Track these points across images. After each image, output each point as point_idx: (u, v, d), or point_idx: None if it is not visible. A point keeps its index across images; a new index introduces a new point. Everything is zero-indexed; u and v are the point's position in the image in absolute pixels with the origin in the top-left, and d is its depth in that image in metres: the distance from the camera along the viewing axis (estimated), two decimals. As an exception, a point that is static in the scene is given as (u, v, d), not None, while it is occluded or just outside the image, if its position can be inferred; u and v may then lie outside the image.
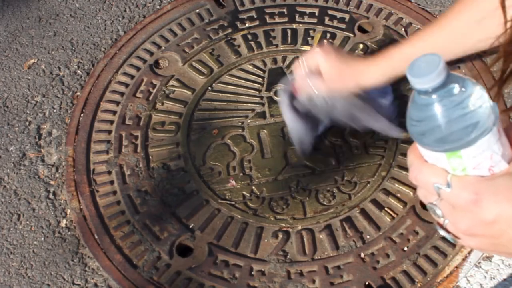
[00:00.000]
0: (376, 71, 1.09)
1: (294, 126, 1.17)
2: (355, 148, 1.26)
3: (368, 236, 1.16)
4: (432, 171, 0.53)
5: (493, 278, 1.12)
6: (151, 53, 1.44)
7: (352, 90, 1.10)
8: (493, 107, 0.50)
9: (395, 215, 1.18)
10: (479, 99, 0.49)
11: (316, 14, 1.50)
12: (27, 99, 1.41)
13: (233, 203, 1.21)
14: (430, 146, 0.52)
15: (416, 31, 1.14)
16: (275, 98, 1.35)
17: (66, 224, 1.22)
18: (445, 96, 0.49)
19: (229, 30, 1.47)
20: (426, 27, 1.08)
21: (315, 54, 1.09)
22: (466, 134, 0.49)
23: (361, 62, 1.12)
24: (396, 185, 1.21)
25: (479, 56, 1.35)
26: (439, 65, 0.48)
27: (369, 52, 1.42)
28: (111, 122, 1.33)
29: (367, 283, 1.11)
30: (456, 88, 0.49)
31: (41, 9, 1.58)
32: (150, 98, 1.36)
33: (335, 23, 1.48)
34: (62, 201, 1.25)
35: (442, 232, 0.55)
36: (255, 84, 1.38)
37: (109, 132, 1.31)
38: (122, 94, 1.37)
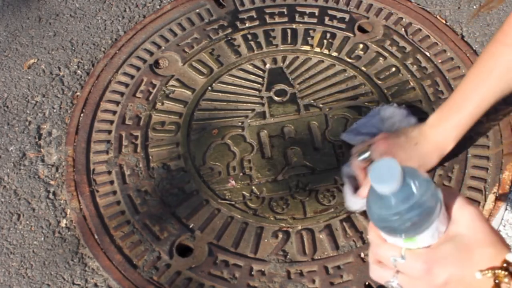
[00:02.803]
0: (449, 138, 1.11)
1: (356, 207, 1.17)
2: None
3: (368, 236, 1.16)
4: (389, 247, 0.62)
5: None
6: (151, 53, 1.44)
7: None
8: (439, 194, 0.58)
9: (395, 215, 1.18)
10: (430, 194, 0.57)
11: (316, 14, 1.50)
12: (27, 99, 1.41)
13: (233, 203, 1.21)
14: (389, 233, 0.60)
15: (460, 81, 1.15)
16: (275, 98, 1.35)
17: (66, 224, 1.22)
18: (402, 195, 0.56)
19: (229, 30, 1.47)
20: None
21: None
22: (420, 224, 0.57)
23: (426, 140, 1.11)
24: (396, 185, 1.21)
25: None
26: (397, 174, 0.55)
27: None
28: (111, 122, 1.33)
29: (367, 283, 1.11)
30: (411, 187, 0.56)
31: (41, 9, 1.58)
32: (150, 98, 1.36)
33: (335, 23, 1.48)
34: (62, 201, 1.25)
35: None
36: (255, 84, 1.38)
37: (109, 132, 1.31)
38: (122, 94, 1.37)
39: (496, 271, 0.57)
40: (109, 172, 1.26)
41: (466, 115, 1.07)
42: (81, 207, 1.22)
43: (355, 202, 1.14)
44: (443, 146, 1.12)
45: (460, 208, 0.60)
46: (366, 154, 1.13)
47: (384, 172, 0.55)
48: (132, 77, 1.40)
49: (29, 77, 1.44)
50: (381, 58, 1.41)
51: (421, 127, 1.13)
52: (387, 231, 0.60)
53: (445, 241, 0.60)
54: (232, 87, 1.38)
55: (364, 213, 1.17)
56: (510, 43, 1.00)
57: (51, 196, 1.26)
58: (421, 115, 1.29)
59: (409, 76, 1.38)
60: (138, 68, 1.41)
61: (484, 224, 0.60)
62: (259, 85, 1.38)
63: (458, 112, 1.08)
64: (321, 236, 1.16)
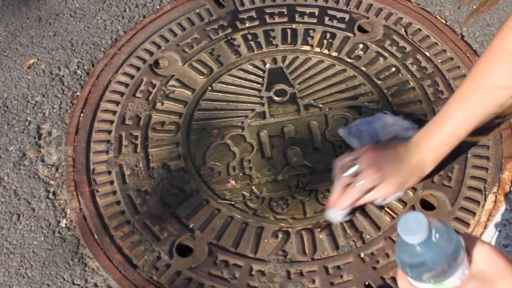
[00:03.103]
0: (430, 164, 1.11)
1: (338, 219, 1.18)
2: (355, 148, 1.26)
3: (368, 236, 1.16)
4: None
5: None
6: (151, 53, 1.44)
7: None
8: (461, 240, 0.64)
9: (395, 215, 1.18)
10: (454, 241, 0.62)
11: (316, 14, 1.50)
12: (27, 99, 1.41)
13: (233, 203, 1.21)
14: (421, 281, 0.65)
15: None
16: (275, 98, 1.35)
17: (66, 224, 1.22)
18: (429, 243, 0.61)
19: (229, 30, 1.47)
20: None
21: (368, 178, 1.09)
22: (448, 269, 0.62)
23: (412, 155, 1.10)
24: (396, 185, 1.21)
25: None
26: (424, 226, 0.60)
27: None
28: (111, 122, 1.33)
29: (367, 283, 1.11)
30: (437, 237, 0.61)
31: (41, 9, 1.58)
32: (150, 98, 1.36)
33: (335, 23, 1.48)
34: (62, 201, 1.25)
35: None
36: (255, 84, 1.38)
37: (109, 132, 1.31)
38: (122, 94, 1.37)
39: None
40: (109, 172, 1.26)
41: (445, 136, 1.06)
42: (81, 207, 1.22)
43: (336, 215, 1.15)
44: (422, 167, 1.11)
45: (478, 248, 0.66)
46: (353, 169, 1.10)
47: (411, 225, 0.60)
48: (132, 77, 1.40)
49: (29, 77, 1.44)
50: (381, 58, 1.41)
51: (407, 143, 1.11)
52: (417, 279, 0.65)
53: (469, 279, 0.65)
54: (232, 87, 1.38)
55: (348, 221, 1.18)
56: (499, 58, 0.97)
57: (51, 196, 1.26)
58: (421, 116, 1.29)
59: (409, 76, 1.38)
60: (138, 68, 1.41)
61: (502, 259, 0.66)
62: (259, 85, 1.38)
63: (438, 131, 1.07)
64: (321, 236, 1.16)
